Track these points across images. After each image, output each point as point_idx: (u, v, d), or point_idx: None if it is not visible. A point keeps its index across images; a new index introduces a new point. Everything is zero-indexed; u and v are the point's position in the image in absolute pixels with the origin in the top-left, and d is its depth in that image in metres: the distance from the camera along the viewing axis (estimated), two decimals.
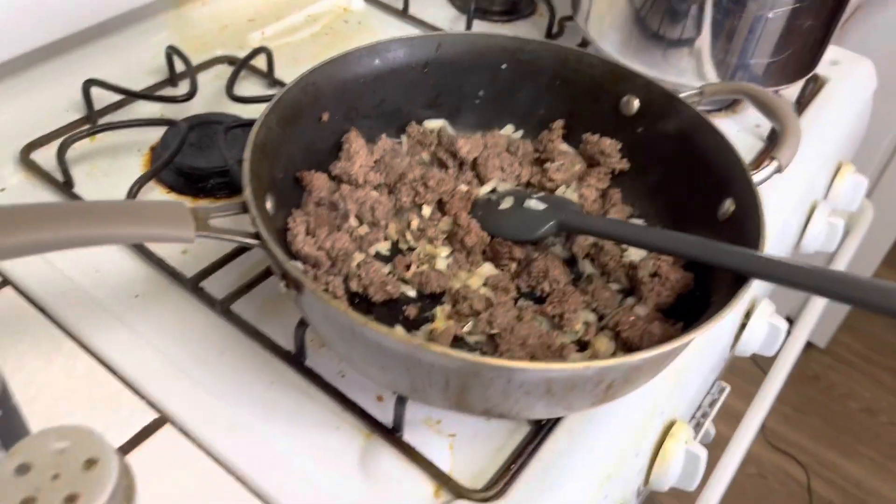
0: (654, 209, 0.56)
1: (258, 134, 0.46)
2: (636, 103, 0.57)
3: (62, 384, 0.49)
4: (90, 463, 0.32)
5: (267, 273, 0.57)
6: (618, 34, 0.73)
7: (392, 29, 0.86)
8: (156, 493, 0.45)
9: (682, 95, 0.55)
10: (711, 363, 0.64)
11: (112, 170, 0.64)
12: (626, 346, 0.47)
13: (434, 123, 0.60)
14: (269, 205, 0.46)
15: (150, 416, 0.48)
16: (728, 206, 0.49)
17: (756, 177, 0.49)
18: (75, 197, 0.60)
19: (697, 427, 0.66)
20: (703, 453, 0.55)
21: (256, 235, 0.41)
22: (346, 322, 0.39)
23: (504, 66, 0.58)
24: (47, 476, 0.31)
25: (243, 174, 0.43)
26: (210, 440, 0.47)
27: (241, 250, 0.58)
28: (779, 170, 0.51)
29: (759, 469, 1.56)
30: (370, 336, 0.39)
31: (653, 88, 0.55)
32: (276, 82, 0.74)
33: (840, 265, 0.85)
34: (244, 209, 0.42)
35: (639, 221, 0.56)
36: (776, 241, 0.68)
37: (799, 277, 0.40)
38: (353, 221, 0.52)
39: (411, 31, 0.85)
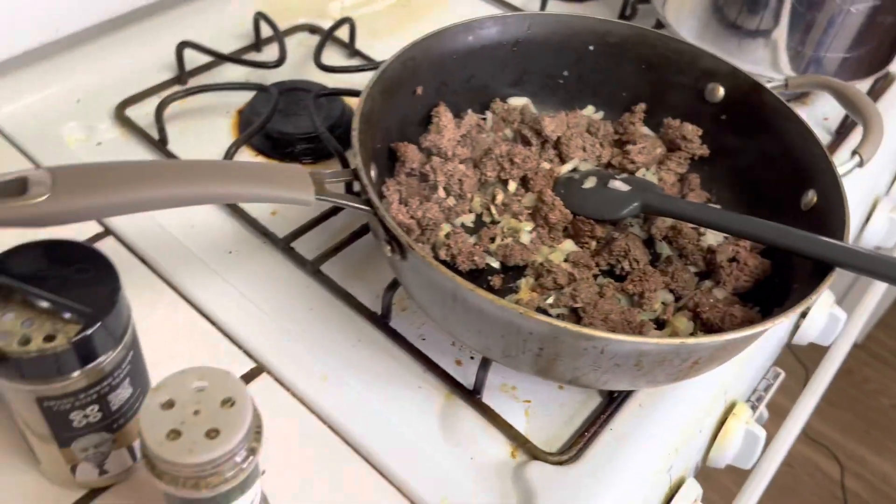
0: (732, 196, 0.58)
1: (364, 105, 0.49)
2: (721, 91, 0.58)
3: (165, 332, 0.52)
4: (227, 402, 0.35)
5: (353, 237, 0.59)
6: (695, 20, 0.74)
7: (468, 4, 0.87)
8: None
9: (768, 86, 0.56)
10: (772, 349, 0.66)
11: (202, 130, 0.67)
12: (706, 328, 0.49)
13: (518, 101, 0.61)
14: (372, 173, 0.48)
15: (248, 365, 0.51)
16: (811, 197, 0.50)
17: (838, 170, 0.51)
18: (170, 154, 0.63)
19: (753, 409, 0.68)
20: (762, 433, 0.57)
21: (367, 202, 0.43)
22: (451, 287, 0.41)
23: (591, 48, 0.60)
24: (189, 411, 0.34)
25: (353, 144, 0.46)
26: (303, 389, 0.50)
27: (329, 214, 0.61)
28: (860, 164, 0.52)
29: (787, 458, 1.58)
30: (473, 301, 0.41)
31: (740, 77, 0.57)
32: (356, 53, 0.76)
33: None
34: (354, 176, 0.44)
35: (716, 207, 0.58)
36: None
37: (890, 270, 0.42)
38: (441, 193, 0.55)
39: (486, 7, 0.86)
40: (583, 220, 0.54)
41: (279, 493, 0.44)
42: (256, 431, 0.36)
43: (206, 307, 0.54)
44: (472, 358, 0.54)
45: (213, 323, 0.53)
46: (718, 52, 0.73)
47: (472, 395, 0.51)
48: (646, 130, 0.61)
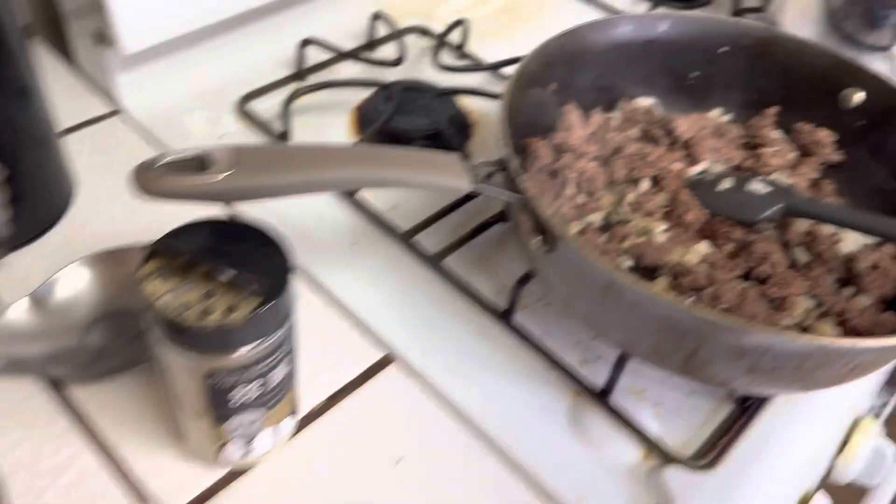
0: (869, 207, 0.56)
1: (507, 97, 0.49)
2: (860, 96, 0.56)
3: (301, 317, 0.53)
4: None
5: (474, 233, 0.59)
6: (811, 30, 0.73)
7: (572, 9, 0.87)
8: (385, 422, 0.48)
9: None
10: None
11: (321, 125, 0.68)
12: (853, 335, 0.47)
13: (645, 101, 0.61)
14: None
15: (379, 353, 0.52)
16: None
17: None
18: None
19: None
20: (890, 449, 0.55)
21: (519, 192, 0.43)
22: (605, 280, 0.41)
23: (722, 50, 0.59)
24: None
25: (502, 135, 0.46)
26: (433, 379, 0.50)
27: (450, 208, 0.61)
28: None
29: None
30: (629, 296, 0.40)
31: (882, 85, 0.55)
32: (465, 55, 0.76)
33: None
34: (500, 167, 0.44)
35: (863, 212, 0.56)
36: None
37: None
38: (571, 190, 0.54)
39: (591, 12, 0.86)
40: (721, 220, 0.53)
41: (410, 478, 0.44)
42: None
43: (338, 295, 0.54)
44: (599, 357, 0.53)
45: (345, 310, 0.54)
46: None
47: (600, 397, 0.50)
48: (776, 135, 0.60)
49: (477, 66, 0.70)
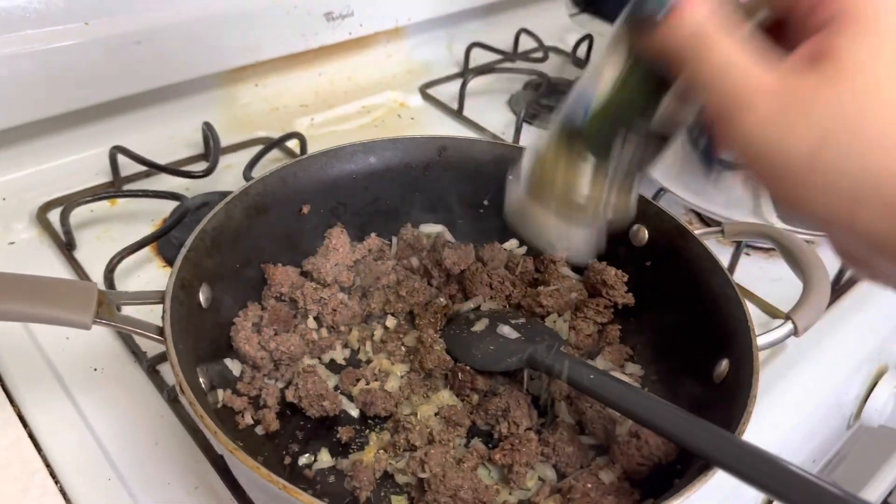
0: (654, 355, 0.49)
1: (212, 220, 0.44)
2: (646, 234, 0.50)
3: None
4: None
5: None
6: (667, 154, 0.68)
7: (444, 127, 0.84)
8: None
9: (697, 233, 0.48)
10: None
11: (121, 236, 0.64)
12: None
13: (431, 228, 0.56)
14: (202, 297, 0.43)
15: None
16: (723, 367, 0.41)
17: (764, 339, 0.42)
18: (73, 259, 0.60)
19: None
20: None
21: (160, 332, 0.38)
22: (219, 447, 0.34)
23: (512, 177, 0.54)
24: None
25: (176, 262, 0.41)
26: None
27: None
28: (794, 333, 0.43)
29: None
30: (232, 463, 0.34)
31: (665, 220, 0.49)
32: None
33: None
34: (161, 299, 0.39)
35: (634, 367, 0.49)
36: (824, 411, 0.57)
37: (773, 481, 0.32)
38: (310, 323, 0.49)
39: (463, 131, 0.83)
40: (463, 368, 0.46)
41: None
42: None
43: (38, 431, 0.48)
44: None
45: (39, 450, 0.48)
46: (691, 192, 0.66)
47: None
48: (567, 271, 0.53)
49: None
